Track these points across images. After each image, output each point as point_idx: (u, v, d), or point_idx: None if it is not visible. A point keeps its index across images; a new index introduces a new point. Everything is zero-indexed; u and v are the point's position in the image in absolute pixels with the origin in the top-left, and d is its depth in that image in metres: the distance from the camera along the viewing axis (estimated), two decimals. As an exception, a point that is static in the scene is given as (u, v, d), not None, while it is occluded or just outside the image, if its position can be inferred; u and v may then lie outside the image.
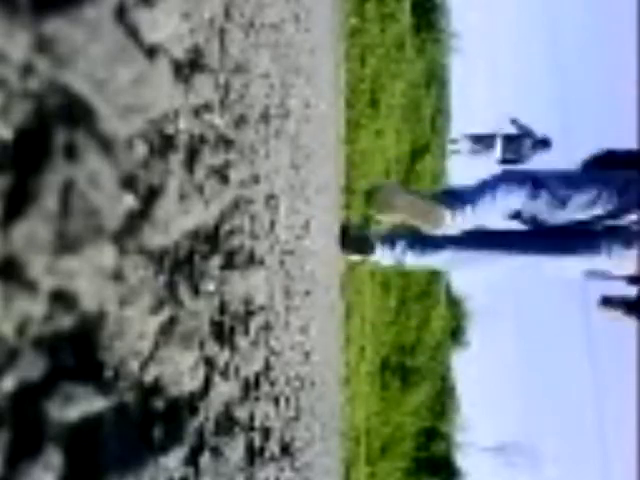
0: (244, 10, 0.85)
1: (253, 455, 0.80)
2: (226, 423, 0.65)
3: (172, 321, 0.49)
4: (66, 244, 0.33)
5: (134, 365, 0.41)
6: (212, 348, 0.61)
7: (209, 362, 0.60)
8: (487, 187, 2.42)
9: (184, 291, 0.52)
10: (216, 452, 0.61)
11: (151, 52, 0.45)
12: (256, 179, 0.89)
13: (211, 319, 0.61)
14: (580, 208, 2.30)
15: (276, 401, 1.02)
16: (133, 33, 0.41)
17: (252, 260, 0.83)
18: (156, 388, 0.45)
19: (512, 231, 2.49)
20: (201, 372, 0.57)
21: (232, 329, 0.70)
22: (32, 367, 0.30)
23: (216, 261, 0.63)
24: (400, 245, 2.65)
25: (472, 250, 2.52)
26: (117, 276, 0.39)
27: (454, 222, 2.45)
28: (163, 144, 0.47)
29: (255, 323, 0.84)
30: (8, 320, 0.28)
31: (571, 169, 2.55)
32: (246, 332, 0.78)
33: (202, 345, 0.57)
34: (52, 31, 0.32)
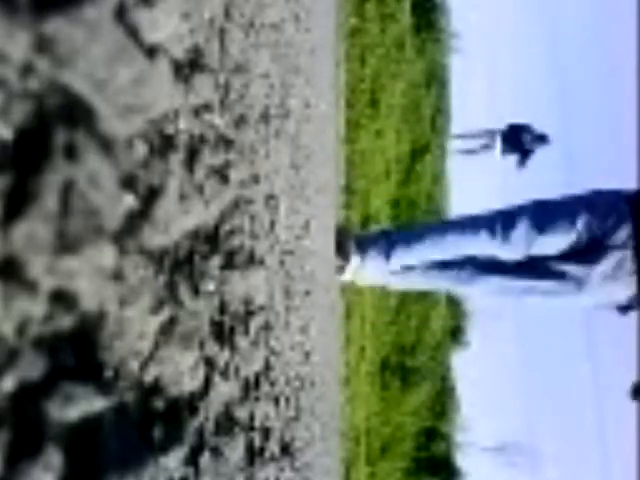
0: (244, 10, 0.85)
1: (253, 455, 0.80)
2: (226, 423, 0.65)
3: (172, 321, 0.49)
4: (66, 244, 0.33)
5: (134, 365, 0.41)
6: (212, 348, 0.61)
7: (209, 362, 0.60)
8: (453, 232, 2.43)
9: (184, 291, 0.52)
10: (216, 452, 0.61)
11: (151, 52, 0.45)
12: (256, 179, 0.89)
13: (211, 319, 0.61)
14: (560, 235, 2.27)
15: (276, 401, 1.02)
16: (133, 33, 0.41)
17: (252, 260, 0.83)
18: (156, 388, 0.45)
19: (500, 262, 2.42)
20: (201, 372, 0.57)
21: (232, 329, 0.70)
22: (32, 367, 0.30)
23: (216, 261, 0.63)
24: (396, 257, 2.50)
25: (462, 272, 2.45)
26: (117, 276, 0.39)
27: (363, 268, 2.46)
28: (163, 144, 0.47)
29: (255, 323, 0.84)
30: (8, 320, 0.28)
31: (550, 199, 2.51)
32: (246, 332, 0.78)
33: (202, 345, 0.57)
34: (52, 31, 0.32)
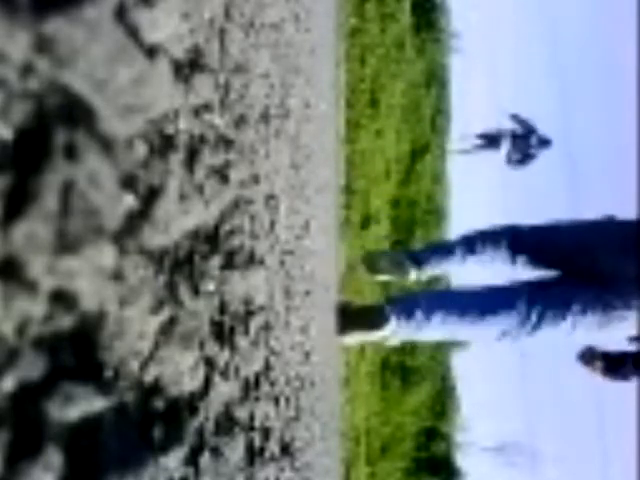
0: (244, 10, 0.85)
1: (253, 455, 0.80)
2: (226, 423, 0.65)
3: (172, 321, 0.49)
4: (66, 244, 0.33)
5: (134, 365, 0.41)
6: (212, 348, 0.61)
7: (209, 362, 0.60)
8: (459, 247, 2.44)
9: (184, 291, 0.52)
10: (216, 452, 0.61)
11: (151, 52, 0.45)
12: (256, 179, 0.89)
13: (211, 319, 0.61)
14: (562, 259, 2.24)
15: (276, 401, 1.02)
16: (133, 33, 0.41)
17: (252, 260, 0.83)
18: (156, 388, 0.45)
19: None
20: (201, 372, 0.57)
21: (232, 329, 0.70)
22: (32, 367, 0.30)
23: (216, 261, 0.63)
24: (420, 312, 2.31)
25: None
26: (117, 276, 0.39)
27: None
28: (163, 144, 0.47)
29: (255, 323, 0.84)
30: (8, 320, 0.28)
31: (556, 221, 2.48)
32: (246, 332, 0.78)
33: (202, 345, 0.57)
34: (52, 31, 0.32)
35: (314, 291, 1.88)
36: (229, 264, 0.69)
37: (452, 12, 11.46)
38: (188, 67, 0.55)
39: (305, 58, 1.94)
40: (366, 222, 6.39)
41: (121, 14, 0.39)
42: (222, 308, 0.65)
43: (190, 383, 0.53)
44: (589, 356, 2.28)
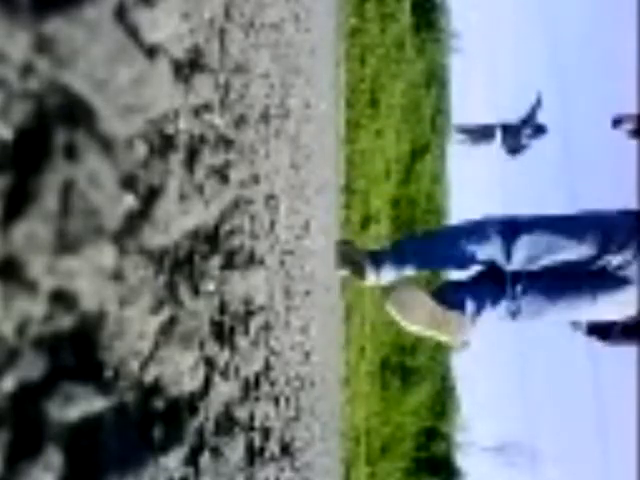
0: (244, 10, 0.85)
1: (253, 455, 0.80)
2: (226, 423, 0.65)
3: (172, 321, 0.49)
4: (66, 244, 0.33)
5: (134, 365, 0.41)
6: (212, 348, 0.61)
7: (209, 362, 0.60)
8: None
9: (184, 291, 0.52)
10: (216, 452, 0.61)
11: (151, 52, 0.45)
12: (256, 179, 0.89)
13: (211, 319, 0.61)
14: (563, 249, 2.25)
15: (276, 401, 1.02)
16: (133, 33, 0.41)
17: (252, 260, 0.83)
18: (156, 388, 0.45)
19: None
20: (201, 372, 0.57)
21: (232, 329, 0.70)
22: (32, 367, 0.30)
23: (216, 261, 0.63)
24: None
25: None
26: (117, 276, 0.39)
27: (473, 326, 2.29)
28: (163, 144, 0.47)
29: (255, 323, 0.84)
30: (8, 320, 0.28)
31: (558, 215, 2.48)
32: (246, 332, 0.78)
33: (202, 345, 0.57)
34: (52, 31, 0.32)
35: (314, 291, 1.88)
36: (229, 264, 0.69)
37: (452, 12, 11.47)
38: (188, 67, 0.55)
39: (305, 58, 1.94)
40: (366, 222, 6.39)
41: (121, 14, 0.39)
42: (222, 308, 0.65)
43: (190, 383, 0.53)
44: (597, 329, 2.37)
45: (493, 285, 2.28)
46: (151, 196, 0.45)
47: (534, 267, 2.29)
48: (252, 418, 0.80)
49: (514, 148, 7.61)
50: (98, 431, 0.36)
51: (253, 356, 0.82)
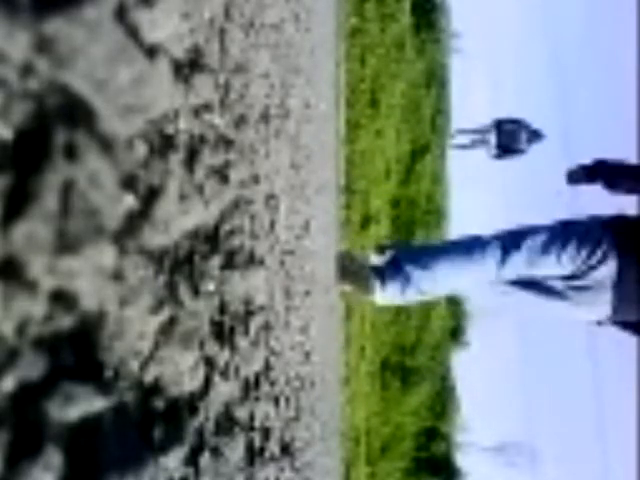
0: (244, 10, 0.85)
1: (253, 455, 0.80)
2: (226, 423, 0.65)
3: (172, 321, 0.49)
4: (66, 244, 0.33)
5: (134, 365, 0.41)
6: (212, 348, 0.61)
7: (209, 362, 0.60)
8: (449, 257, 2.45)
9: (184, 291, 0.52)
10: (216, 452, 0.61)
11: (151, 52, 0.45)
12: (256, 179, 0.89)
13: (211, 319, 0.61)
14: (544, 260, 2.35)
15: (276, 401, 1.02)
16: (133, 33, 0.41)
17: (252, 260, 0.83)
18: (156, 388, 0.45)
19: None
20: (201, 372, 0.57)
21: (232, 329, 0.70)
22: (32, 367, 0.30)
23: (216, 261, 0.63)
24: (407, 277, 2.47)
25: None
26: (117, 276, 0.39)
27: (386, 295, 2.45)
28: (163, 144, 0.47)
29: (255, 323, 0.84)
30: (8, 320, 0.28)
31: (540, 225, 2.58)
32: (246, 332, 0.78)
33: (202, 345, 0.57)
34: (52, 31, 0.32)
35: (314, 291, 1.88)
36: (229, 264, 0.69)
37: (452, 12, 11.47)
38: (188, 67, 0.55)
39: (305, 58, 1.94)
40: (366, 222, 6.39)
41: (121, 14, 0.39)
42: (222, 308, 0.65)
43: (190, 383, 0.53)
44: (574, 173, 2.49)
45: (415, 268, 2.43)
46: (151, 196, 0.45)
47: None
48: (252, 418, 0.80)
49: (507, 148, 7.59)
50: (98, 431, 0.36)
51: (253, 356, 0.82)
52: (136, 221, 0.42)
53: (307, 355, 1.60)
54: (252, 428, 0.80)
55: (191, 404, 0.53)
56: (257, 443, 0.83)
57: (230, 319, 0.69)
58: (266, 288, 0.94)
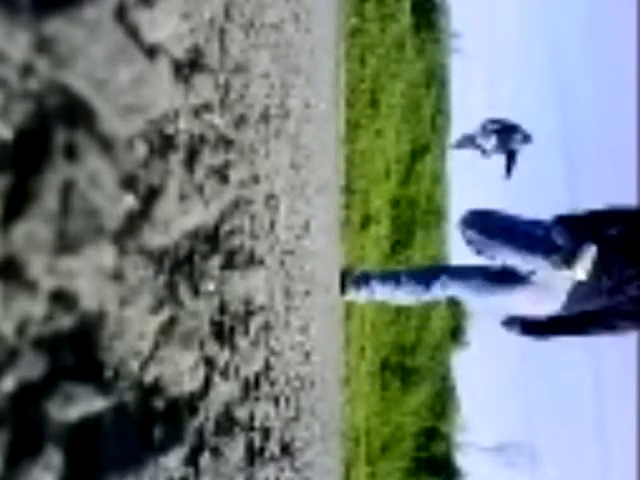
0: (244, 10, 0.85)
1: (253, 455, 0.80)
2: (226, 423, 0.65)
3: (172, 321, 0.49)
4: (66, 244, 0.33)
5: (134, 365, 0.41)
6: (212, 348, 0.61)
7: (209, 362, 0.60)
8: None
9: (184, 291, 0.52)
10: (216, 452, 0.61)
11: (151, 52, 0.45)
12: (256, 179, 0.89)
13: (211, 319, 0.61)
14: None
15: (276, 401, 1.02)
16: (133, 33, 0.41)
17: (252, 260, 0.83)
18: (156, 388, 0.45)
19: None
20: (201, 372, 0.57)
21: (232, 329, 0.70)
22: (32, 367, 0.30)
23: (216, 261, 0.63)
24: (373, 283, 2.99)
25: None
26: (117, 276, 0.39)
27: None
28: (163, 144, 0.47)
29: (255, 323, 0.84)
30: (8, 320, 0.28)
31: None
32: (246, 332, 0.78)
33: (202, 345, 0.57)
34: (52, 31, 0.32)
35: (314, 291, 1.88)
36: (229, 264, 0.69)
37: (452, 12, 11.48)
38: (188, 67, 0.55)
39: (305, 58, 1.94)
40: (366, 222, 6.39)
41: (121, 14, 0.39)
42: (222, 308, 0.65)
43: (190, 383, 0.53)
44: (509, 321, 2.61)
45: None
46: (151, 196, 0.45)
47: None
48: (252, 418, 0.80)
49: (508, 152, 7.62)
50: (98, 431, 0.36)
51: (253, 356, 0.82)
52: (136, 221, 0.42)
53: (307, 355, 1.60)
54: (252, 428, 0.80)
55: (191, 404, 0.53)
56: (257, 443, 0.83)
57: (230, 319, 0.69)
58: (266, 288, 0.94)
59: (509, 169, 7.65)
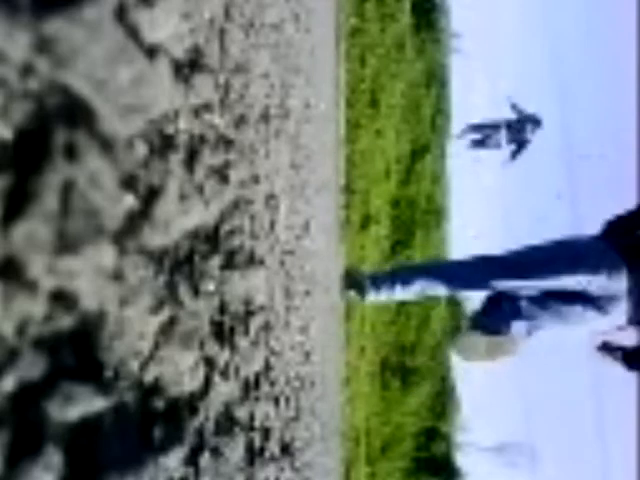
0: (244, 10, 0.85)
1: (253, 455, 0.80)
2: (226, 423, 0.65)
3: (172, 321, 0.49)
4: (66, 244, 0.33)
5: (134, 365, 0.41)
6: (212, 348, 0.61)
7: (209, 362, 0.60)
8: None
9: (184, 291, 0.52)
10: (216, 452, 0.61)
11: (151, 52, 0.45)
12: (256, 179, 0.89)
13: (211, 319, 0.61)
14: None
15: (276, 401, 1.02)
16: (133, 33, 0.41)
17: (252, 260, 0.83)
18: (156, 388, 0.45)
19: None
20: (201, 372, 0.57)
21: (232, 329, 0.70)
22: (32, 367, 0.30)
23: (216, 261, 0.63)
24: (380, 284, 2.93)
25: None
26: (117, 276, 0.39)
27: (526, 339, 2.80)
28: (163, 144, 0.47)
29: (255, 323, 0.84)
30: (8, 320, 0.28)
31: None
32: (246, 332, 0.78)
33: (202, 345, 0.57)
34: (52, 31, 0.32)
35: (314, 291, 1.88)
36: (229, 264, 0.69)
37: (452, 12, 11.48)
38: (188, 67, 0.55)
39: (305, 58, 1.94)
40: (366, 222, 6.39)
41: (121, 14, 0.39)
42: (222, 308, 0.65)
43: (190, 383, 0.53)
44: (609, 348, 2.56)
45: (510, 304, 2.71)
46: (151, 196, 0.45)
47: (530, 292, 2.50)
48: (252, 418, 0.80)
49: (520, 143, 7.66)
50: (98, 431, 0.36)
51: (253, 356, 0.82)
52: (136, 221, 0.42)
53: (307, 355, 1.60)
54: (252, 428, 0.80)
55: (191, 404, 0.53)
56: (257, 443, 0.83)
57: (230, 319, 0.69)
58: (266, 288, 0.94)
59: (515, 155, 7.68)
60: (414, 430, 10.05)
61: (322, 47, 3.18)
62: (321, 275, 2.23)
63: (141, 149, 0.43)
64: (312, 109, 2.16)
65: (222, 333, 0.65)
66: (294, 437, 1.24)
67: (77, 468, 0.33)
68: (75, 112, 0.34)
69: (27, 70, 0.30)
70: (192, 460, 0.53)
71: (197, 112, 0.58)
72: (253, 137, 0.88)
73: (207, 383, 0.59)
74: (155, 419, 0.45)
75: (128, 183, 0.40)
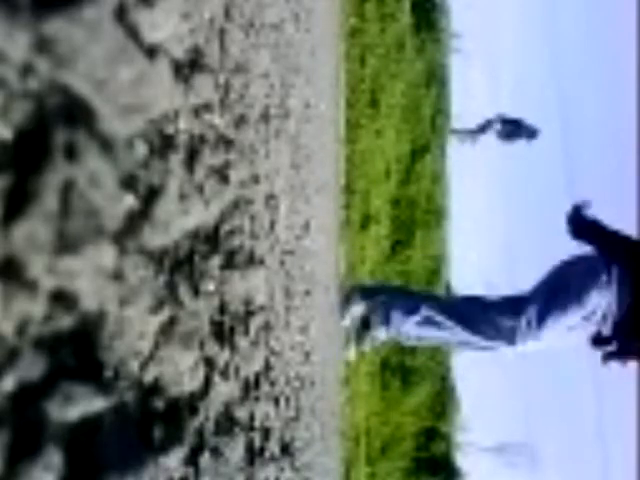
0: (244, 10, 0.85)
1: (253, 455, 0.80)
2: (226, 423, 0.65)
3: (172, 321, 0.49)
4: (66, 244, 0.33)
5: (134, 365, 0.41)
6: (212, 348, 0.61)
7: (209, 362, 0.60)
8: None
9: (184, 291, 0.52)
10: (216, 452, 0.61)
11: (151, 52, 0.45)
12: (256, 179, 0.89)
13: (211, 319, 0.61)
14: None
15: (276, 401, 1.02)
16: (133, 33, 0.41)
17: (252, 260, 0.83)
18: (156, 388, 0.45)
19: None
20: (201, 372, 0.57)
21: (232, 329, 0.70)
22: (32, 367, 0.30)
23: (216, 261, 0.63)
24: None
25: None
26: (117, 276, 0.39)
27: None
28: (163, 144, 0.47)
29: (255, 323, 0.84)
30: (8, 320, 0.28)
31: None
32: (246, 332, 0.78)
33: (202, 345, 0.57)
34: (52, 31, 0.32)
35: (314, 291, 1.88)
36: (229, 264, 0.69)
37: (452, 12, 11.48)
38: (188, 67, 0.55)
39: (305, 58, 1.94)
40: (366, 222, 6.39)
41: (121, 14, 0.39)
42: (222, 308, 0.65)
43: (190, 383, 0.53)
44: (609, 357, 2.72)
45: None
46: (151, 196, 0.45)
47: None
48: (252, 418, 0.80)
49: (513, 135, 7.73)
50: (98, 431, 0.36)
51: (253, 356, 0.82)
52: (136, 221, 0.42)
53: (307, 355, 1.60)
54: (252, 428, 0.80)
55: (191, 404, 0.53)
56: (257, 443, 0.83)
57: (230, 319, 0.69)
58: (266, 288, 0.94)
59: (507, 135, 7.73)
60: (414, 430, 10.04)
61: (322, 47, 3.18)
62: (321, 275, 2.23)
63: (141, 149, 0.43)
64: (312, 109, 2.16)
65: (222, 333, 0.65)
66: (294, 437, 1.24)
67: (77, 468, 0.33)
68: (75, 112, 0.34)
69: (27, 70, 0.30)
70: (192, 460, 0.53)
71: (197, 112, 0.58)
72: (253, 137, 0.88)
73: (207, 383, 0.59)
74: (155, 419, 0.45)
75: (128, 183, 0.40)
